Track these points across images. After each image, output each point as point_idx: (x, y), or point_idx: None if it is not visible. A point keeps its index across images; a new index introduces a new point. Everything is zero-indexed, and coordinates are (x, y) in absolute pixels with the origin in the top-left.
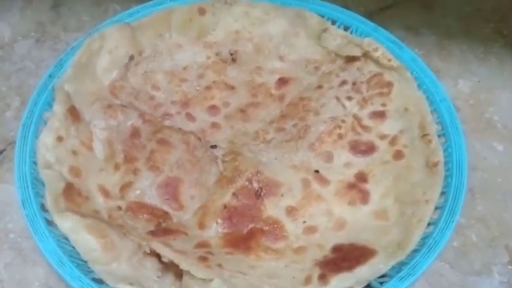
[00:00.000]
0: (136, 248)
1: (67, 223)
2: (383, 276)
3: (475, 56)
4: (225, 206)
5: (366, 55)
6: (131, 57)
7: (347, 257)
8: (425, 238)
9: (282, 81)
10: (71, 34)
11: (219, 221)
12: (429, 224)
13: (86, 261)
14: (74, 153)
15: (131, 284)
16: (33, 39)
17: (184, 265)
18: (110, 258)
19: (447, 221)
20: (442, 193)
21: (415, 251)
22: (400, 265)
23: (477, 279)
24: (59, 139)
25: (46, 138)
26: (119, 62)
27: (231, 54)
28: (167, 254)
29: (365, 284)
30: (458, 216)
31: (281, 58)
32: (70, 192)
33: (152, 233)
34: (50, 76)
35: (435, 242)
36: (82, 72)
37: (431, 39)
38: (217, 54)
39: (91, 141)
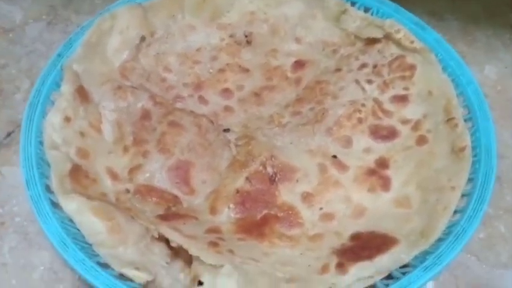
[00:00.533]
0: (144, 232)
1: (72, 204)
2: (405, 266)
3: (502, 42)
4: (238, 191)
5: (387, 37)
6: (143, 38)
7: (366, 245)
8: (451, 226)
9: (299, 64)
10: (82, 17)
11: (231, 205)
12: (455, 212)
13: (90, 245)
14: (82, 134)
15: (137, 268)
16: (45, 22)
17: (193, 250)
18: (117, 241)
19: (475, 208)
20: (469, 180)
21: (440, 239)
22: (424, 255)
23: (504, 272)
24: (67, 120)
25: (53, 118)
26: (130, 42)
27: (246, 36)
28: (176, 239)
29: (386, 274)
30: (487, 203)
31: (297, 40)
32: (77, 173)
33: (161, 217)
34: (59, 55)
35: (463, 230)
36: (91, 52)
37: (455, 25)
38: (231, 36)
39: (100, 122)
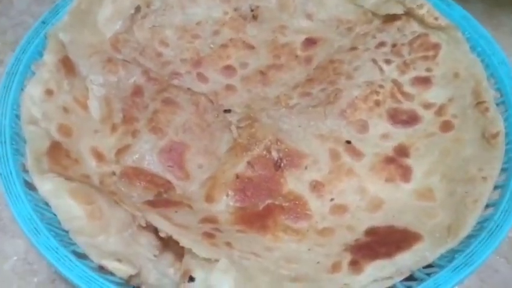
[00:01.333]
0: (129, 219)
1: (48, 185)
2: (428, 266)
3: None
4: (238, 176)
5: (408, 13)
6: (138, 9)
7: (384, 241)
8: (482, 222)
9: (310, 42)
10: None
11: (230, 192)
12: (487, 206)
13: (67, 232)
14: (66, 110)
15: (119, 260)
16: None
17: (185, 241)
18: (97, 229)
19: (511, 202)
20: (502, 170)
21: (470, 237)
22: (451, 253)
23: None
24: (49, 93)
25: (33, 90)
26: (124, 12)
27: (252, 10)
28: (165, 228)
29: (407, 275)
30: None
31: (308, 16)
32: (56, 152)
33: (150, 203)
34: (44, 22)
35: (497, 227)
36: (80, 21)
37: (479, 7)
38: (235, 9)
39: (86, 98)
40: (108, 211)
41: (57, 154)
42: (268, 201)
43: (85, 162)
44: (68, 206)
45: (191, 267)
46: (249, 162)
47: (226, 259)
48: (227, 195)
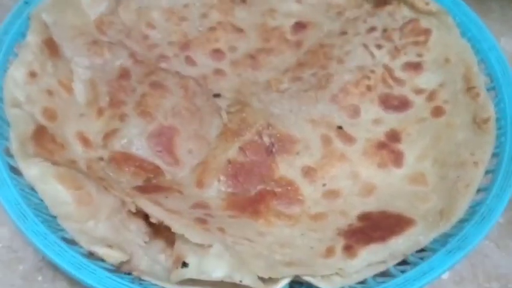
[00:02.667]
0: (119, 205)
1: (34, 170)
2: (421, 250)
3: None
4: (230, 162)
5: None
6: None
7: (377, 226)
8: (474, 206)
9: (300, 26)
10: None
11: (222, 178)
12: (478, 191)
13: (55, 217)
14: (50, 93)
15: (109, 246)
16: None
17: (176, 227)
18: (86, 214)
19: (502, 185)
20: (493, 155)
21: (462, 220)
22: (444, 237)
23: None
24: (32, 75)
25: (16, 72)
26: None
27: None
28: (155, 213)
29: (401, 259)
30: None
31: (298, 0)
32: (42, 136)
33: (139, 189)
34: (26, 3)
35: (489, 210)
36: (63, 2)
37: None
38: None
39: (71, 81)
40: (97, 196)
41: (43, 138)
42: (260, 186)
43: (71, 147)
44: (56, 191)
45: (183, 252)
46: (240, 148)
47: (219, 244)
48: (218, 181)
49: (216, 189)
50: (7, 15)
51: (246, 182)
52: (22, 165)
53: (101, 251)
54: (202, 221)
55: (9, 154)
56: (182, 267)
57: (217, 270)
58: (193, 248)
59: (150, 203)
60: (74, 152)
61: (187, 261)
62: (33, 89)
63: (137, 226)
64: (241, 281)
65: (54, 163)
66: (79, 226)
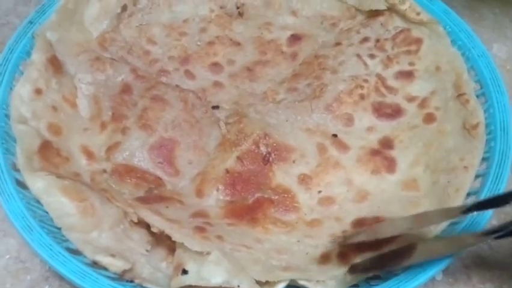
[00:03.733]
0: (121, 215)
1: (40, 183)
2: None
3: (510, 19)
4: (228, 171)
5: (391, 9)
6: (124, 7)
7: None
8: None
9: (295, 38)
10: None
11: (220, 187)
12: (468, 195)
13: (59, 229)
14: (55, 109)
15: (113, 256)
16: None
17: (177, 236)
18: (90, 225)
19: (492, 189)
20: (483, 159)
21: (453, 223)
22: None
23: None
24: (38, 92)
25: (22, 90)
26: (111, 11)
27: (237, 8)
28: (156, 223)
29: None
30: (505, 184)
31: (294, 13)
32: (47, 150)
33: (141, 200)
34: (31, 22)
35: (478, 214)
36: (67, 20)
37: (461, 1)
38: (221, 7)
39: (75, 97)
40: (100, 208)
41: (48, 152)
42: (258, 194)
43: (75, 161)
44: (61, 204)
45: (183, 260)
46: (238, 157)
47: (218, 251)
48: (217, 190)
49: (215, 198)
50: (12, 35)
51: (243, 191)
52: (28, 179)
53: (104, 260)
54: (201, 230)
55: (15, 169)
56: (182, 274)
57: (216, 277)
58: (192, 255)
59: (151, 213)
60: (79, 165)
61: (187, 268)
62: (38, 105)
63: (139, 235)
64: (239, 286)
65: (59, 176)
66: (83, 236)
